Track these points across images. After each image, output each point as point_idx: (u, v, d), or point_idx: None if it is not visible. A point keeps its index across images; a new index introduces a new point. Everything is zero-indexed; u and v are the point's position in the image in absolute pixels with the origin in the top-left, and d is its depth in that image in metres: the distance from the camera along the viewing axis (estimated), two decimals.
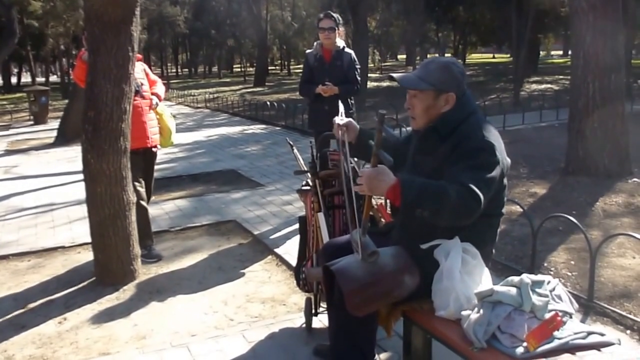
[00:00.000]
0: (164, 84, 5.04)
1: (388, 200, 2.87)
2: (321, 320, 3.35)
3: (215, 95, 21.56)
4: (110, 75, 3.91)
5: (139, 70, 4.57)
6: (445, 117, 2.38)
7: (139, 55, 4.61)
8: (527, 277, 2.11)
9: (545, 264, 4.07)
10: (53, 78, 47.17)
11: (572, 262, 4.11)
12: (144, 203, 4.49)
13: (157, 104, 4.59)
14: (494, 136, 2.34)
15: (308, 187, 3.34)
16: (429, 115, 2.40)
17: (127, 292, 4.00)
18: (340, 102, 2.96)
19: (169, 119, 4.78)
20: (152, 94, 4.62)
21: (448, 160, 2.28)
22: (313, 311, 3.29)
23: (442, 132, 2.36)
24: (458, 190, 2.11)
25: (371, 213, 2.83)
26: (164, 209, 6.11)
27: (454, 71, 2.40)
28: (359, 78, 5.53)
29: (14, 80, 46.25)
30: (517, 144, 8.46)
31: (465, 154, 2.24)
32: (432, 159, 2.37)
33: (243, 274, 4.26)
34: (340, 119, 2.64)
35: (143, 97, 4.46)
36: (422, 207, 2.11)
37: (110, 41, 3.88)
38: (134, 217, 4.20)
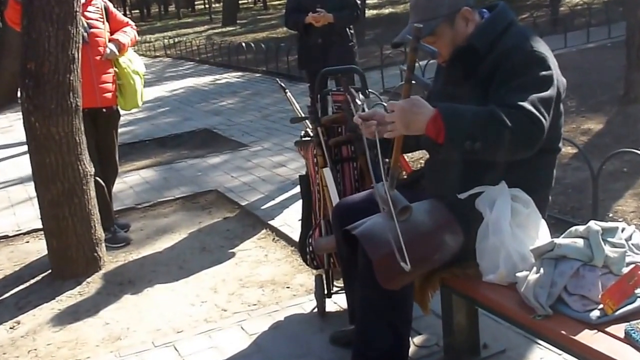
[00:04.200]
0: None
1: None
2: (336, 302, 3.37)
3: (176, 40, 21.36)
4: (51, 15, 3.83)
5: (93, 10, 4.49)
6: (479, 31, 2.35)
7: None
8: (595, 225, 2.09)
9: (611, 215, 4.07)
10: None
11: None
12: (98, 178, 4.45)
13: (111, 53, 4.48)
14: (543, 47, 2.30)
15: (308, 138, 3.31)
16: (456, 44, 2.38)
17: (92, 285, 4.01)
18: (359, 93, 2.79)
19: (134, 75, 4.63)
20: (110, 40, 4.52)
21: (490, 84, 2.23)
22: (325, 291, 3.30)
23: (479, 47, 2.32)
24: (512, 114, 2.06)
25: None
26: (126, 182, 6.10)
27: None
28: (358, 1, 5.45)
29: None
30: (562, 73, 8.37)
31: (512, 71, 2.20)
32: (468, 87, 2.33)
33: (233, 254, 4.28)
34: (361, 112, 2.47)
35: (91, 44, 4.37)
36: (472, 139, 2.06)
37: None
38: (93, 193, 4.19)
